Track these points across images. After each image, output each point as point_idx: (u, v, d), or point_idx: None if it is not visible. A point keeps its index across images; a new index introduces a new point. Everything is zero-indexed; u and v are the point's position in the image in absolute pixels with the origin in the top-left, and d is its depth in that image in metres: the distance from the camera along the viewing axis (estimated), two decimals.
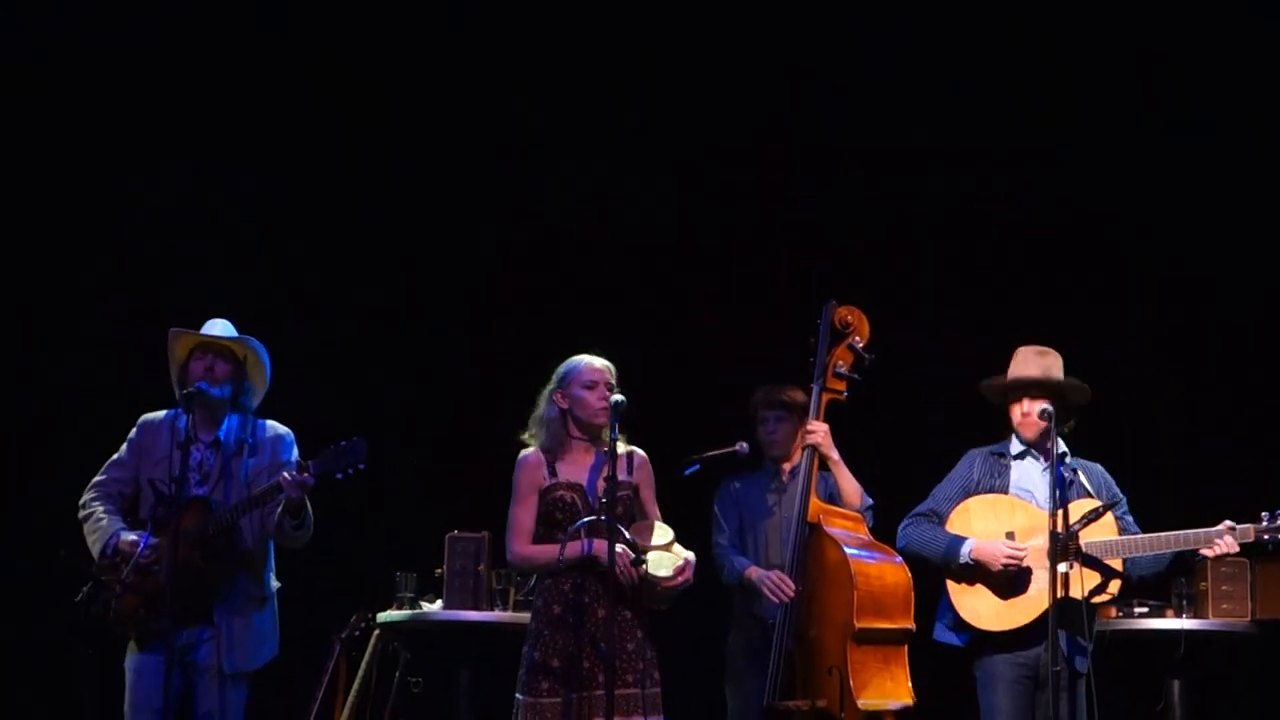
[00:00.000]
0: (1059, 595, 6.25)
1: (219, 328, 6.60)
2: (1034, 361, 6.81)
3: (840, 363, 6.93)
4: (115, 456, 6.59)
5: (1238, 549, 6.48)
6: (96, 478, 6.57)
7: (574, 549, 6.14)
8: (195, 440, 6.33)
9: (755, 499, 7.20)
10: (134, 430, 6.61)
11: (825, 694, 6.53)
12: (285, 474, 6.25)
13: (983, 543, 6.60)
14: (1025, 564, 6.53)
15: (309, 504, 6.37)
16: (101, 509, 6.46)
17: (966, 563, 6.60)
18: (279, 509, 6.33)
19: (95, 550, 6.38)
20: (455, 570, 7.68)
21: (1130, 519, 6.72)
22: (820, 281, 8.09)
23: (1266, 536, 6.46)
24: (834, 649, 6.61)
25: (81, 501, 6.53)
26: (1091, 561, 6.48)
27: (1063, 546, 6.28)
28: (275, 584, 6.55)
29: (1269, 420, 8.83)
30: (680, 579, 6.20)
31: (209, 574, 6.29)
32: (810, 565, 6.76)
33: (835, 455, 6.93)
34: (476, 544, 7.71)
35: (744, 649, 7.06)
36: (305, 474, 6.24)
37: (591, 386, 6.33)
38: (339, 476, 6.35)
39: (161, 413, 6.61)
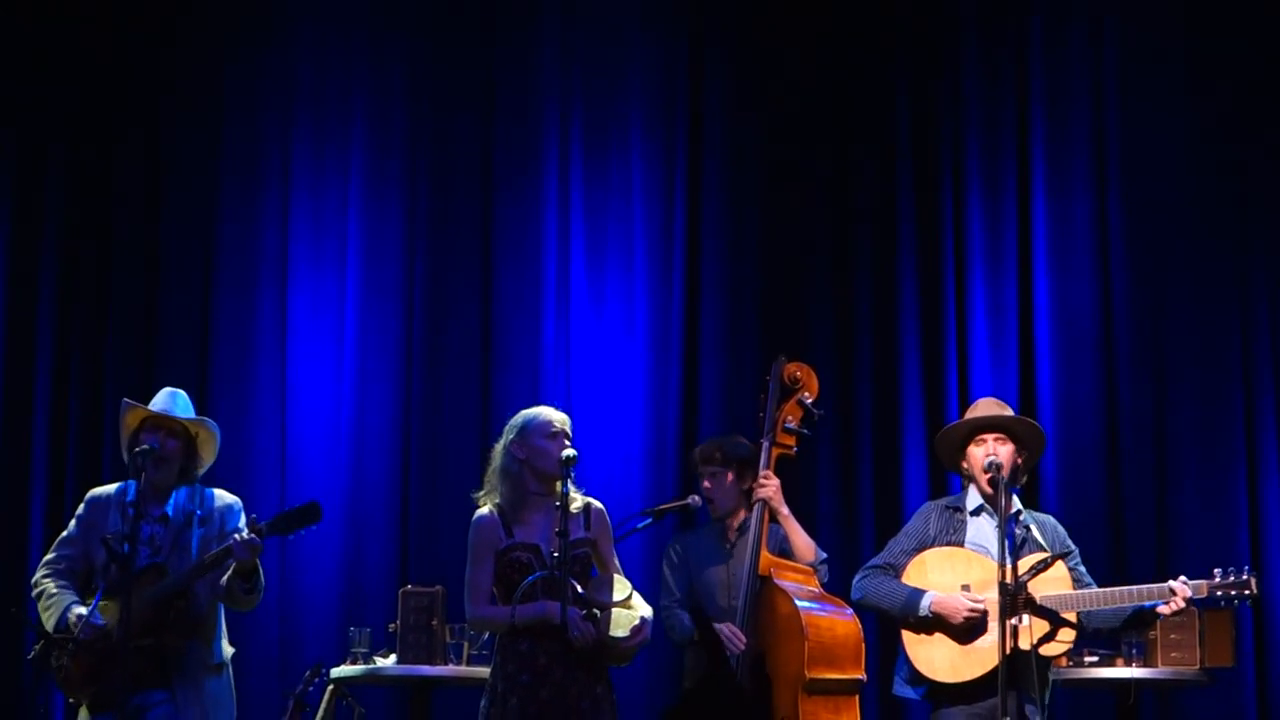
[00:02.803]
0: (1011, 648, 6.29)
1: (173, 402, 6.58)
2: (993, 409, 6.88)
3: (789, 418, 7.02)
4: (64, 534, 6.57)
5: (1183, 604, 6.53)
6: (47, 556, 6.56)
7: (527, 612, 6.16)
8: (145, 514, 6.32)
9: (702, 556, 7.23)
10: (81, 506, 6.58)
11: None
12: (237, 536, 6.23)
13: (943, 596, 6.60)
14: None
15: (260, 566, 6.37)
16: (54, 585, 6.42)
17: (925, 615, 6.61)
18: (228, 573, 6.31)
19: (49, 625, 6.36)
20: (409, 625, 7.66)
21: (1083, 569, 6.76)
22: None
23: (1219, 593, 6.53)
24: (786, 700, 6.68)
25: (34, 580, 6.52)
26: (1045, 614, 6.52)
27: (1012, 600, 6.31)
28: (229, 650, 6.52)
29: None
30: (638, 638, 6.22)
31: (162, 641, 6.27)
32: (762, 617, 6.83)
33: (785, 510, 7.00)
34: (430, 598, 7.70)
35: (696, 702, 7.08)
36: (256, 535, 6.23)
37: (553, 437, 6.29)
38: (290, 537, 6.37)
39: (110, 487, 6.59)
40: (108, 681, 6.19)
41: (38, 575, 6.52)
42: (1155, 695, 8.54)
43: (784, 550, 7.05)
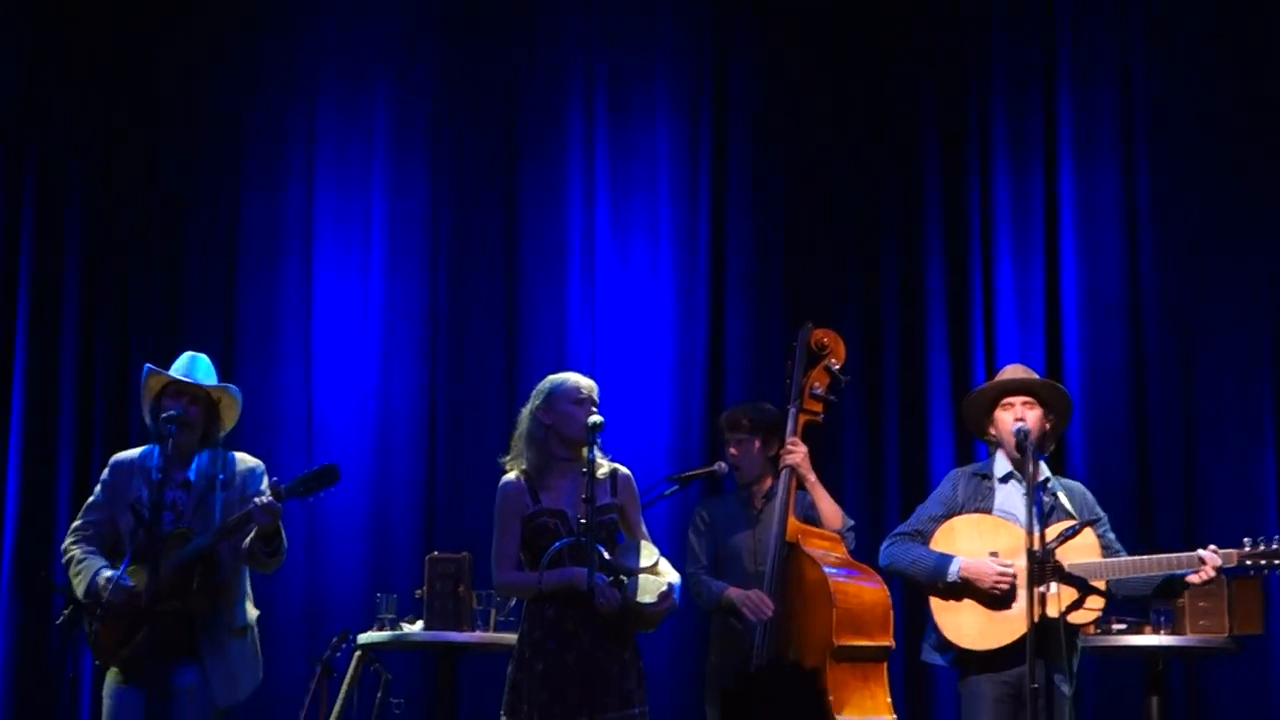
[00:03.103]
0: (1039, 616, 6.27)
1: (195, 366, 6.55)
2: (1020, 373, 6.87)
3: (816, 384, 7.01)
4: (90, 500, 6.57)
5: (1213, 573, 6.52)
6: (75, 523, 6.56)
7: (553, 578, 6.16)
8: (168, 480, 6.31)
9: (729, 523, 7.22)
10: (106, 471, 6.58)
11: None
12: (257, 500, 6.23)
13: (972, 560, 6.57)
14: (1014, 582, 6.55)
15: (282, 528, 6.37)
16: (81, 551, 6.42)
17: (954, 581, 6.59)
18: (249, 536, 6.31)
19: (80, 591, 6.35)
20: (436, 591, 7.67)
21: (1112, 536, 6.74)
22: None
23: (1249, 562, 6.51)
24: (813, 667, 6.65)
25: (63, 548, 6.52)
26: (1073, 581, 6.50)
27: (1040, 568, 6.29)
28: (254, 612, 6.52)
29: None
30: (665, 604, 6.20)
31: (188, 605, 6.27)
32: (789, 584, 6.82)
33: (813, 477, 6.99)
34: (457, 564, 7.70)
35: (724, 669, 7.08)
36: (275, 499, 6.22)
37: (580, 403, 6.30)
38: (310, 500, 6.37)
39: (134, 452, 6.59)
40: (137, 646, 6.20)
41: (67, 542, 6.53)
42: (1183, 663, 8.53)
43: (810, 517, 7.04)
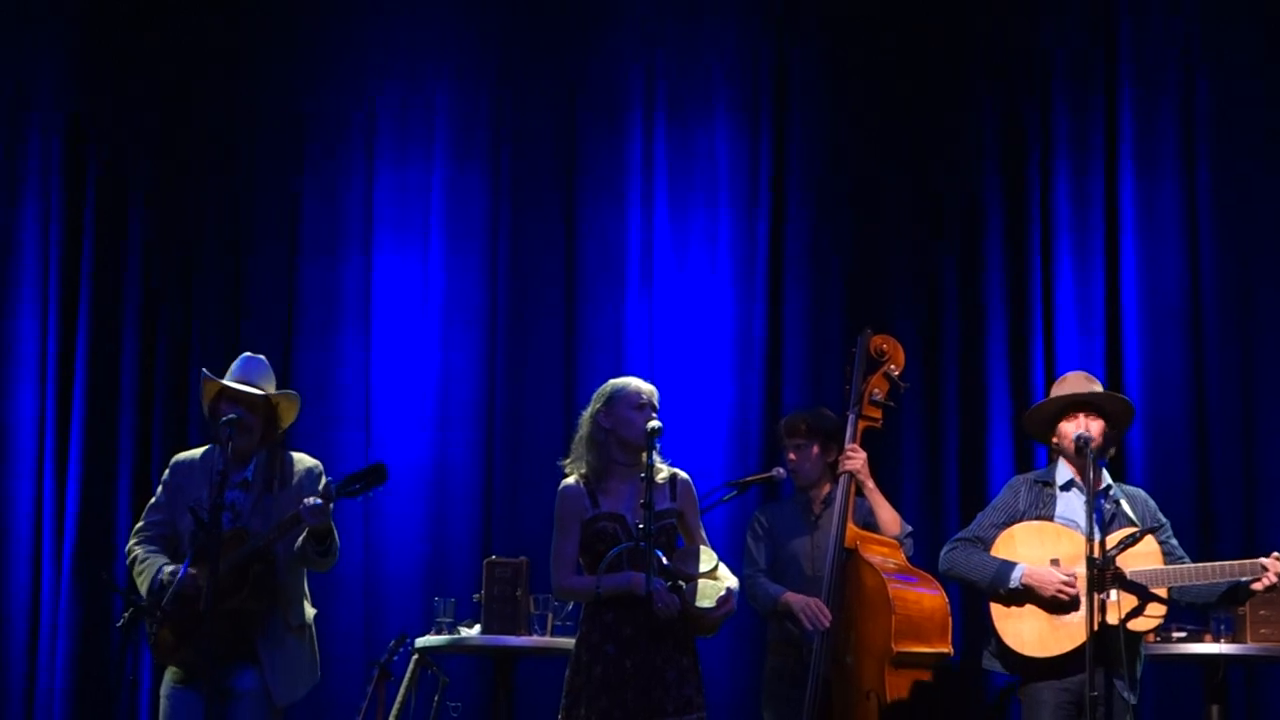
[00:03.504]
0: (1099, 623, 6.25)
1: (251, 369, 6.56)
2: (1082, 384, 6.84)
3: (876, 390, 7.01)
4: (152, 501, 6.62)
5: (1276, 579, 6.48)
6: (138, 524, 6.62)
7: (611, 582, 6.17)
8: (228, 480, 6.34)
9: (787, 527, 7.22)
10: (167, 472, 6.62)
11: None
12: (306, 501, 6.25)
13: (1034, 568, 6.57)
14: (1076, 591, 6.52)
15: (334, 528, 6.38)
16: (144, 550, 6.48)
17: (1016, 588, 6.57)
18: (301, 536, 6.33)
19: (144, 589, 6.40)
20: (494, 595, 7.69)
21: (1175, 542, 6.72)
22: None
23: None
24: (872, 674, 6.65)
25: (127, 549, 6.58)
26: (1135, 589, 6.47)
27: (1100, 574, 6.27)
28: (311, 611, 6.55)
29: None
30: (723, 609, 6.21)
31: (245, 605, 6.31)
32: (848, 590, 6.81)
33: (871, 483, 6.99)
34: (515, 569, 7.72)
35: (781, 674, 7.07)
36: (321, 500, 6.23)
37: (640, 408, 6.32)
38: (360, 500, 6.39)
39: (195, 452, 6.63)
40: (196, 647, 6.23)
41: (130, 543, 6.58)
42: (1244, 671, 8.47)
43: (869, 523, 7.03)
